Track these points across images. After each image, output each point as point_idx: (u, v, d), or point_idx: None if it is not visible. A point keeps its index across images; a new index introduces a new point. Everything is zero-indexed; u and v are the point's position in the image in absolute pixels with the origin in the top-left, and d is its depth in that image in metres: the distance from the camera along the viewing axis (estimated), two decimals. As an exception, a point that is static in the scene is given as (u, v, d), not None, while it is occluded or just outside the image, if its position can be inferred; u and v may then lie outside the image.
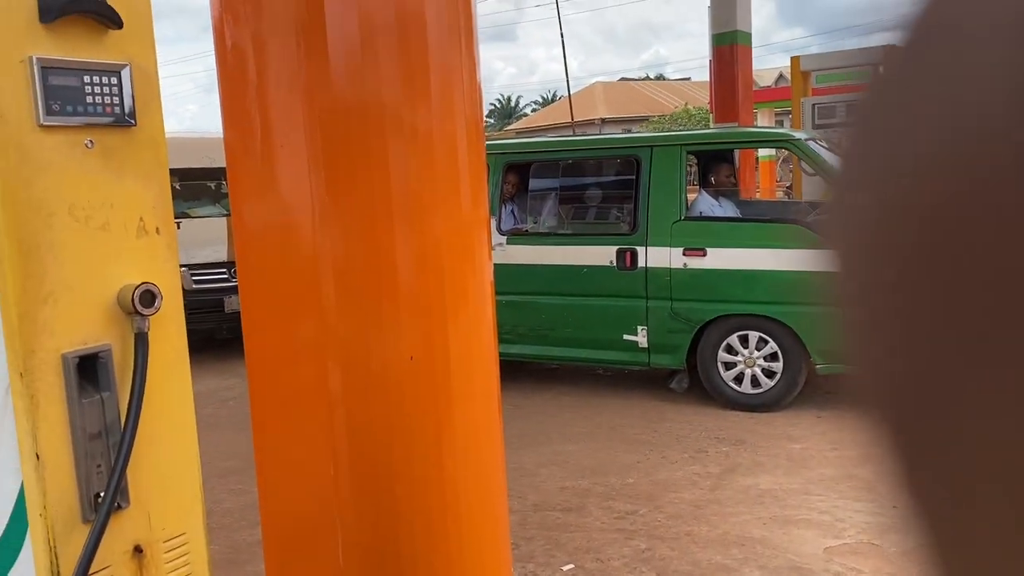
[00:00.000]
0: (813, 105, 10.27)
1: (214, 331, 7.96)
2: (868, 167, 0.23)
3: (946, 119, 0.21)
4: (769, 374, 5.53)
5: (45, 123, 1.54)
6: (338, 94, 1.58)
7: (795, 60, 11.08)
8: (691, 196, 6.06)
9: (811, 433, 5.08)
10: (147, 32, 1.69)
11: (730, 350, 5.60)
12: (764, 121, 19.79)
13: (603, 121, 33.05)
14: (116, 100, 1.65)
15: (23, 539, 1.58)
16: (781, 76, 27.75)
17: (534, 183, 6.57)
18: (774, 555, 3.53)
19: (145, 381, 1.64)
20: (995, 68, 0.19)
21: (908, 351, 0.23)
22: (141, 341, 1.65)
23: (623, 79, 45.04)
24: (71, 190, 1.59)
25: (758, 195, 12.35)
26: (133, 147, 1.69)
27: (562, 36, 11.62)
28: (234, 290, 7.63)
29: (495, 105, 58.89)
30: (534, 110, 51.60)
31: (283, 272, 1.67)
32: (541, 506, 4.17)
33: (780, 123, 19.94)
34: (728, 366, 5.62)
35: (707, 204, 5.99)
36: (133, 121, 1.67)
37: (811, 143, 5.67)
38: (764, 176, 17.27)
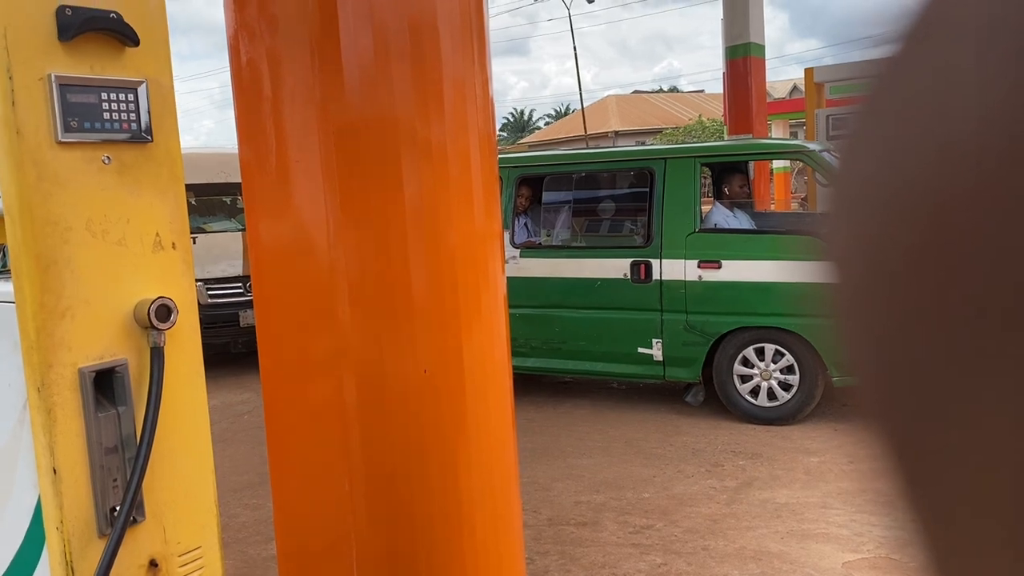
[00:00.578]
0: (827, 117, 10.24)
1: (229, 345, 7.99)
2: (864, 174, 0.23)
3: (943, 119, 0.21)
4: (785, 387, 5.49)
5: (63, 140, 1.56)
6: (352, 110, 1.59)
7: (809, 72, 11.07)
8: (705, 208, 6.04)
9: (828, 446, 5.04)
10: (163, 49, 1.71)
11: (746, 363, 5.57)
12: (778, 133, 19.75)
13: (616, 134, 33.06)
14: (133, 116, 1.66)
15: (40, 553, 1.59)
16: (795, 88, 27.71)
17: (547, 196, 6.58)
18: (792, 570, 3.49)
19: (161, 395, 1.65)
20: (993, 66, 0.19)
21: (903, 358, 0.23)
22: (157, 355, 1.66)
23: (636, 92, 45.09)
24: (88, 205, 1.61)
25: (773, 207, 12.32)
26: (149, 163, 1.70)
27: (575, 50, 11.68)
28: (249, 304, 7.68)
29: (508, 119, 59.09)
30: (547, 123, 51.72)
31: (298, 287, 1.68)
32: (556, 520, 4.14)
33: (794, 135, 19.89)
34: (744, 379, 5.59)
35: (722, 216, 5.98)
36: (149, 137, 1.69)
37: (825, 154, 5.65)
38: (779, 188, 17.22)
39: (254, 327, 1.83)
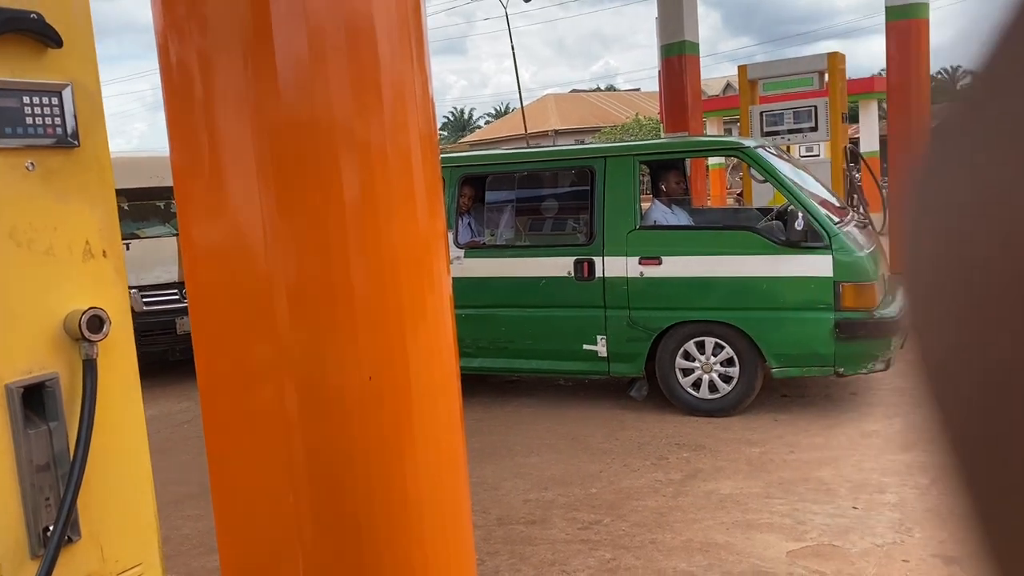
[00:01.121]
0: (761, 113, 10.44)
1: (166, 353, 7.82)
2: (955, 187, 0.23)
3: None
4: (726, 379, 5.59)
5: (-17, 146, 1.49)
6: (288, 110, 1.56)
7: (742, 69, 11.26)
8: (645, 205, 6.11)
9: (769, 436, 5.14)
10: (89, 50, 1.65)
11: (687, 356, 5.65)
12: (713, 130, 20.10)
13: (556, 132, 33.26)
14: (58, 120, 1.60)
15: (-32, 578, 1.52)
16: (729, 85, 28.23)
17: (490, 196, 6.58)
18: (738, 560, 3.55)
19: (95, 409, 1.60)
20: None
21: (996, 377, 0.22)
22: (90, 368, 1.61)
23: (575, 91, 45.40)
24: (12, 214, 1.54)
25: (709, 202, 12.52)
26: (77, 168, 1.64)
27: (513, 49, 11.71)
28: (186, 311, 7.51)
29: (448, 118, 58.97)
30: (488, 122, 51.75)
31: (235, 292, 1.64)
32: (505, 520, 4.14)
33: (729, 131, 20.26)
34: (686, 372, 5.67)
35: (661, 213, 6.05)
36: (76, 142, 1.63)
37: (760, 150, 5.76)
38: (714, 184, 17.52)
39: (191, 334, 1.78)
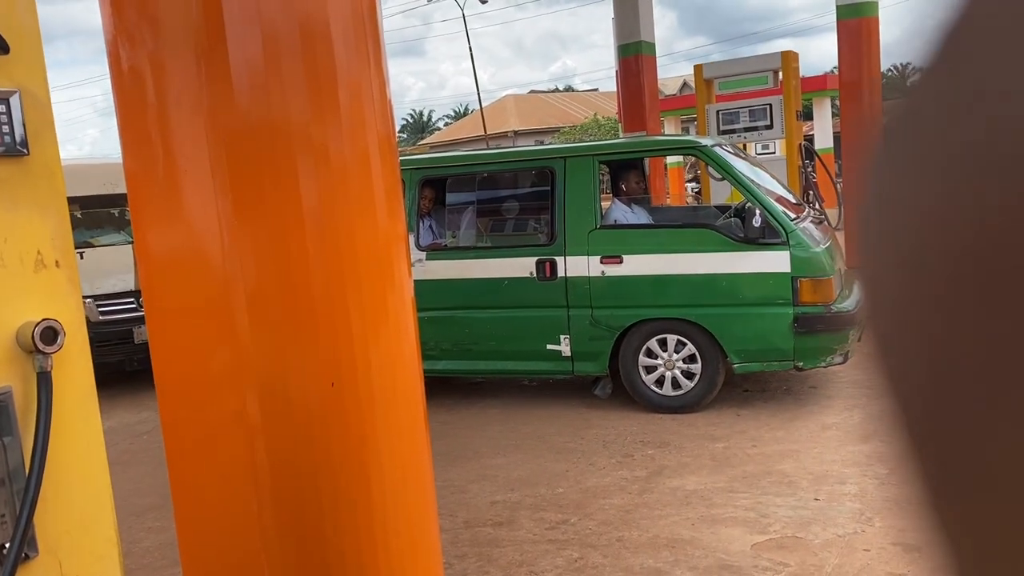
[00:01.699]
0: (717, 112, 10.57)
1: (124, 363, 7.67)
2: (905, 186, 0.23)
3: (988, 130, 0.20)
4: (688, 376, 5.64)
5: (-73, 155, 1.45)
6: (243, 115, 1.54)
7: (698, 68, 11.39)
8: (605, 205, 6.14)
9: (732, 432, 5.20)
10: (36, 56, 1.62)
11: (650, 354, 5.69)
12: (671, 129, 20.28)
13: (516, 133, 33.30)
14: (5, 129, 1.57)
15: (-80, 600, 1.48)
16: (685, 84, 28.50)
17: (451, 197, 6.56)
18: (704, 555, 3.58)
19: (50, 423, 1.56)
20: None
21: (949, 367, 0.22)
22: (44, 381, 1.57)
23: (533, 91, 45.48)
24: (-41, 224, 1.50)
25: (668, 201, 12.64)
26: (26, 177, 1.60)
27: (471, 50, 11.70)
28: (143, 320, 7.34)
29: (407, 120, 58.71)
30: (447, 124, 51.63)
31: (193, 299, 1.61)
32: (472, 523, 4.14)
33: (686, 130, 20.47)
34: (649, 370, 5.71)
35: (621, 212, 6.09)
36: (25, 150, 1.59)
37: (717, 149, 5.82)
38: (673, 182, 17.69)
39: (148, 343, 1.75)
